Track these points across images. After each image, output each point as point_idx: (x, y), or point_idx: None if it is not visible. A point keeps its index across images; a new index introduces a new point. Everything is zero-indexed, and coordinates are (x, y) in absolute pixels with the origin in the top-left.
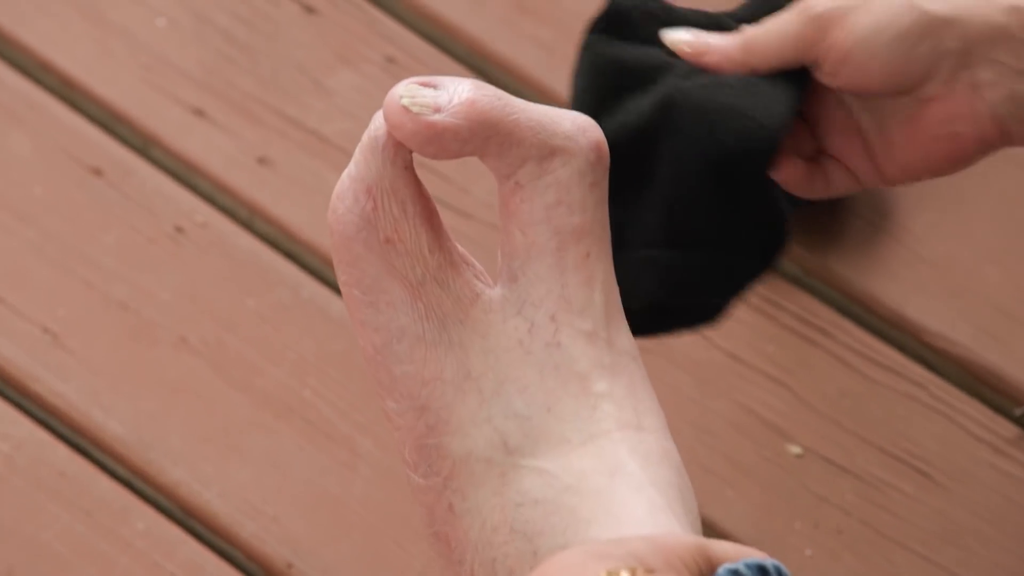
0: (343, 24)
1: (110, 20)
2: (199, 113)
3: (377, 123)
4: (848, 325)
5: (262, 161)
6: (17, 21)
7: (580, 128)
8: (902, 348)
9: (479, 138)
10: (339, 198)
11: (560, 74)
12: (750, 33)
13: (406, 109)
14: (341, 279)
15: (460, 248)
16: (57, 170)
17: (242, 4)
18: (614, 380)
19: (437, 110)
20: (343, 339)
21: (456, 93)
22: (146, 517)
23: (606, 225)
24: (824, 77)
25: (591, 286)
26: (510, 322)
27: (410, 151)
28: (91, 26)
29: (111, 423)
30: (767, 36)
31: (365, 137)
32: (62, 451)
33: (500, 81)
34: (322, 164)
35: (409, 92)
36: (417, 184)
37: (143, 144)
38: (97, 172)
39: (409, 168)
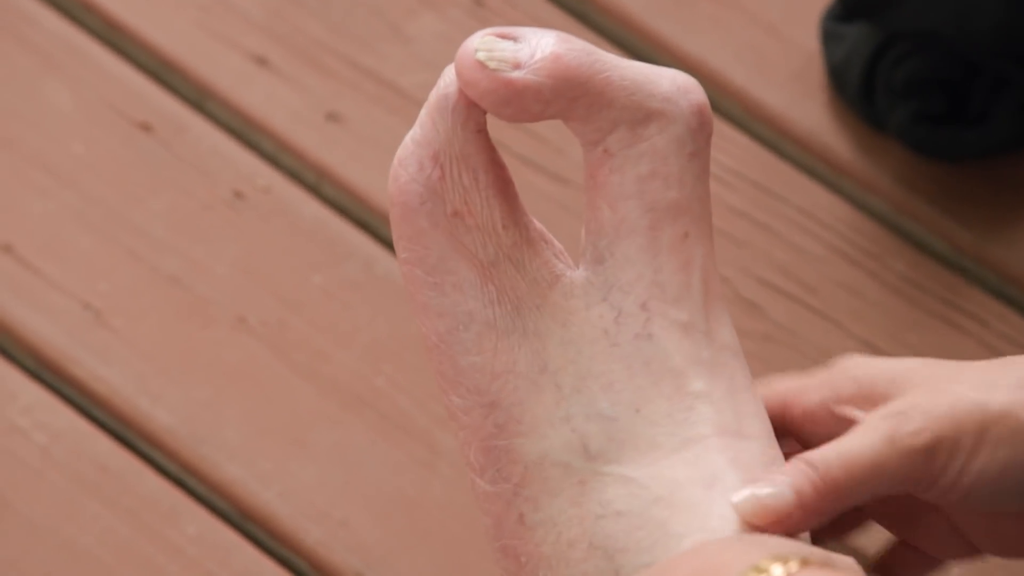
0: None
1: None
2: (261, 62)
3: (447, 79)
4: (1004, 310)
5: (332, 117)
6: None
7: (681, 89)
8: None
9: (564, 99)
10: (401, 164)
11: (670, 18)
12: (826, 473)
13: (481, 64)
14: (401, 256)
15: (537, 224)
16: (100, 125)
17: None
18: (713, 379)
19: (517, 66)
20: None
21: (539, 47)
22: (198, 519)
23: (707, 202)
24: (929, 499)
25: (688, 271)
26: (594, 309)
27: (484, 112)
28: None
29: (159, 412)
30: (850, 473)
31: (433, 95)
32: (104, 443)
33: (602, 25)
34: (399, 121)
35: (486, 45)
36: (491, 150)
37: (198, 97)
38: (146, 128)
39: (483, 131)
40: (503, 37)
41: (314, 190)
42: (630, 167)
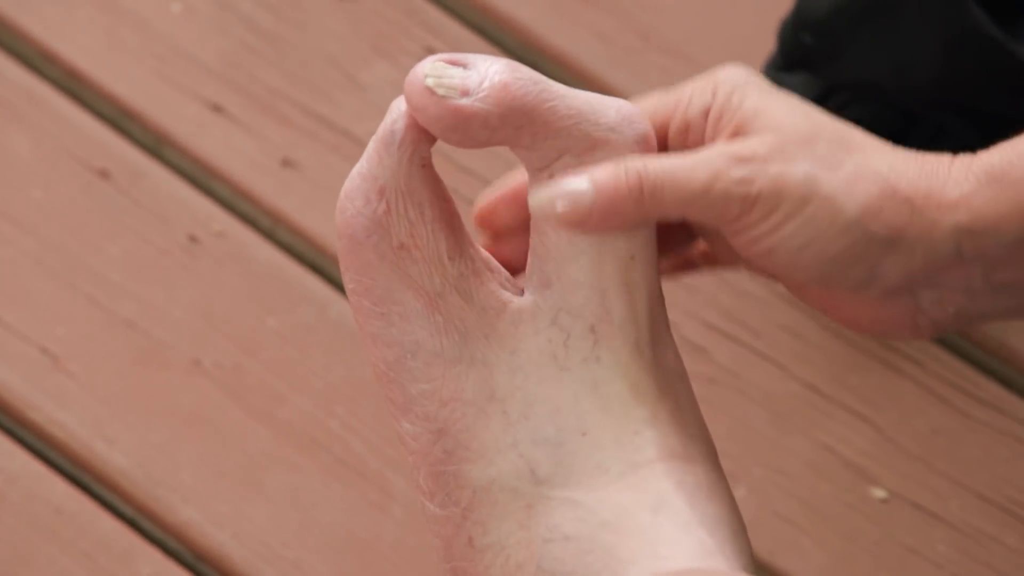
0: (379, 11)
1: (120, 5)
2: (217, 109)
3: (395, 114)
4: (941, 353)
5: (287, 163)
6: (18, 5)
7: (626, 119)
8: (1004, 381)
9: (511, 127)
10: (348, 198)
11: (620, 68)
12: (654, 174)
13: (430, 91)
14: (349, 287)
15: (484, 253)
16: (59, 172)
17: None
18: (659, 402)
19: (465, 93)
20: None
21: (488, 75)
22: (153, 561)
23: (652, 226)
24: (731, 242)
25: (634, 295)
26: (543, 334)
27: (430, 146)
28: (99, 12)
29: (115, 455)
30: (676, 184)
31: (380, 130)
32: (60, 486)
33: (554, 76)
34: (353, 167)
35: (435, 71)
36: (437, 184)
37: (155, 144)
38: (103, 174)
39: (428, 166)
40: (453, 63)
41: (269, 235)
42: None
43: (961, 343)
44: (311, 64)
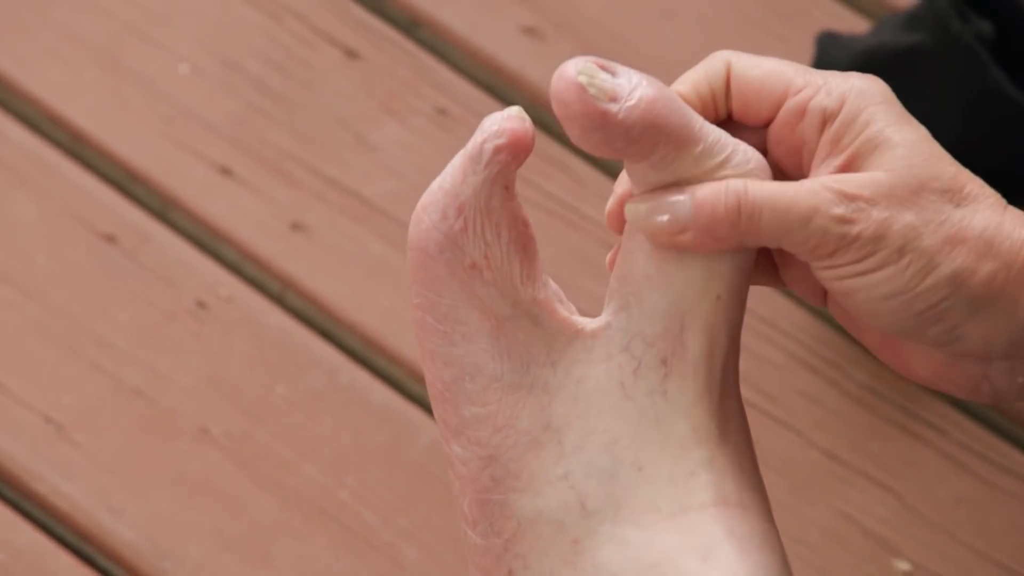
0: (389, 71)
1: (127, 66)
2: (226, 172)
3: (486, 132)
4: (963, 420)
5: (296, 227)
6: (22, 67)
7: (753, 159)
8: None
9: (649, 141)
10: (424, 210)
11: None
12: (754, 198)
13: (581, 88)
14: (414, 301)
15: (554, 284)
16: (65, 237)
17: (275, 48)
18: (719, 447)
19: (614, 99)
20: (386, 431)
21: (636, 86)
22: None
23: (746, 272)
24: (815, 271)
25: (714, 335)
26: (615, 359)
27: (516, 169)
28: (105, 73)
29: (121, 527)
30: (775, 212)
31: (469, 146)
32: (64, 560)
33: (565, 135)
34: (364, 231)
35: (587, 71)
36: (517, 208)
37: (162, 207)
38: (110, 239)
39: (510, 188)
40: (602, 68)
41: (278, 300)
42: None
43: (983, 409)
44: (320, 125)
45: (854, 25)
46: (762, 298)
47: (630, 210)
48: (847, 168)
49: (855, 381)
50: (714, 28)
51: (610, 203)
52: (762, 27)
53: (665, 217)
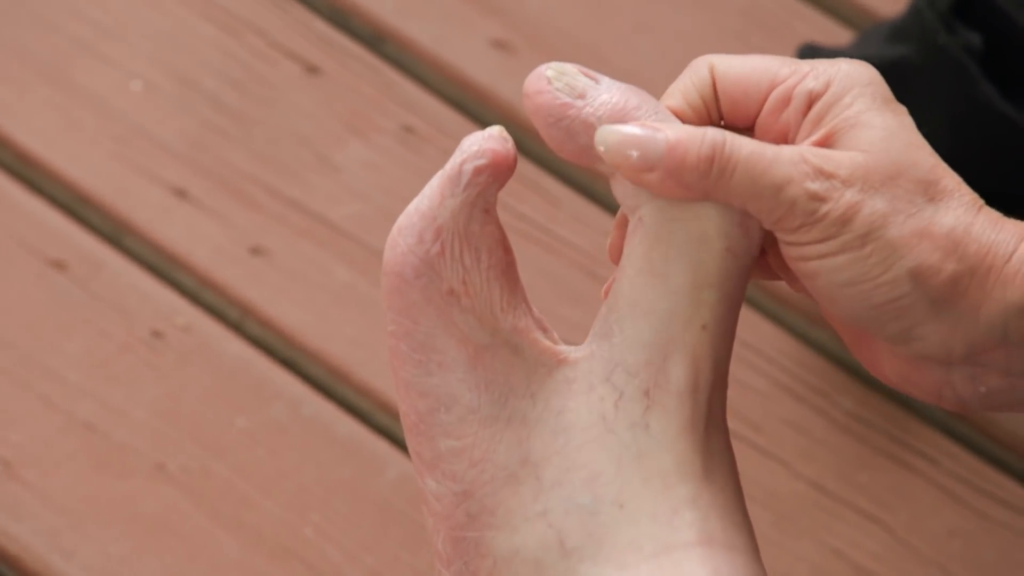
0: (353, 87)
1: (76, 84)
2: (181, 194)
3: (465, 152)
4: (955, 449)
5: (256, 251)
6: None
7: None
8: (1022, 478)
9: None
10: (400, 233)
11: None
12: (731, 153)
13: (547, 80)
14: (389, 328)
15: (536, 312)
16: (11, 264)
17: (233, 64)
18: (704, 483)
19: (580, 97)
20: (352, 466)
21: (610, 90)
22: None
23: (736, 302)
24: (781, 248)
25: (699, 367)
26: (596, 391)
27: (497, 191)
28: (54, 91)
29: (73, 570)
30: (748, 171)
31: (447, 167)
32: None
33: (539, 154)
34: (327, 255)
35: (560, 68)
36: (497, 231)
37: (114, 232)
38: (59, 266)
39: (491, 211)
40: (585, 74)
41: (237, 328)
42: (662, 242)
43: (977, 438)
44: (280, 144)
45: (837, 36)
46: (745, 323)
47: (599, 136)
48: (822, 144)
49: (842, 409)
50: (692, 41)
51: (612, 236)
52: (742, 40)
53: (635, 153)
